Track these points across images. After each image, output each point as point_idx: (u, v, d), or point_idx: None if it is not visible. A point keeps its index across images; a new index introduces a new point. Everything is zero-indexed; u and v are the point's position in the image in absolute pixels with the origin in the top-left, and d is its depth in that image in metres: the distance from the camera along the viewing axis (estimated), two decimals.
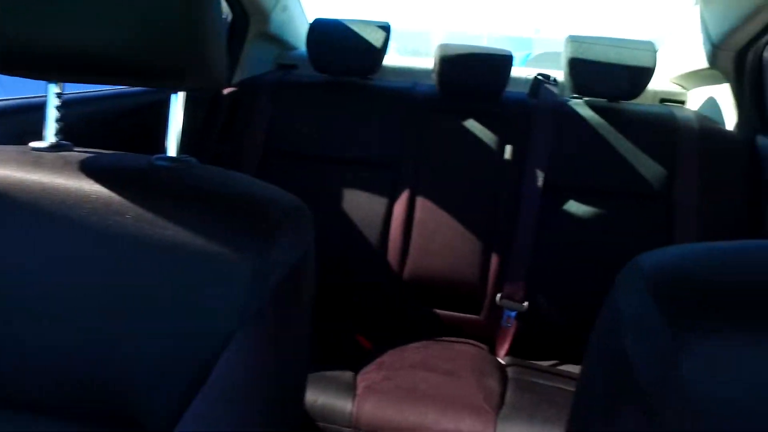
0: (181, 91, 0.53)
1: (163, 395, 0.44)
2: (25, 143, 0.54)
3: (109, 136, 1.15)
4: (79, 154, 0.53)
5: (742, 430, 0.35)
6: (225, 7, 1.51)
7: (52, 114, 0.54)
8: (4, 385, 0.46)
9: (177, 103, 0.53)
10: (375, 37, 1.42)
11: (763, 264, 0.40)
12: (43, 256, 0.45)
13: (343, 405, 1.04)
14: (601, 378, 0.44)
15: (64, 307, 0.45)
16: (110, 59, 0.45)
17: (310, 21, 1.49)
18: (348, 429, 1.03)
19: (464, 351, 1.28)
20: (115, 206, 0.45)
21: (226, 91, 1.50)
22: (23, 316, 0.45)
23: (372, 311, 1.38)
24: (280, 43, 1.75)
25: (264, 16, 1.54)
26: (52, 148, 0.54)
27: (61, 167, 0.49)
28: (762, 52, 1.28)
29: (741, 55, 1.30)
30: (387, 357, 1.20)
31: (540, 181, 1.30)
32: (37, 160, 0.50)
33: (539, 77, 1.48)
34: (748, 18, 1.17)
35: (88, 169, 0.49)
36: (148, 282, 0.44)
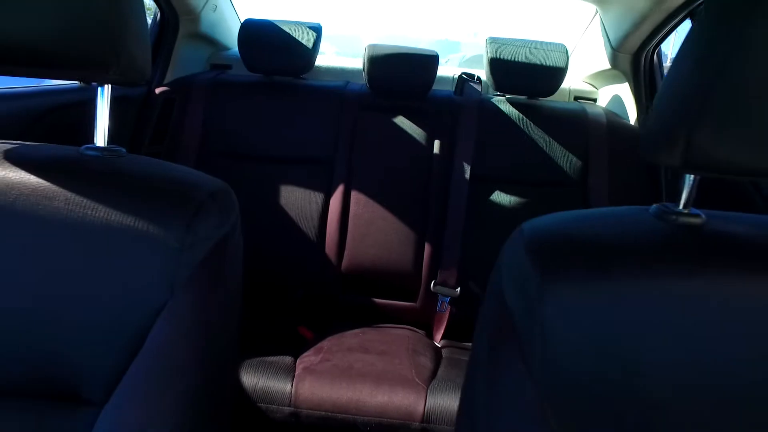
0: (104, 84, 0.54)
1: (100, 366, 0.46)
2: None
3: (36, 133, 1.12)
4: (1, 145, 0.53)
5: (586, 362, 0.42)
6: (153, 6, 1.50)
7: None
8: None
9: (104, 95, 0.55)
10: (306, 38, 1.46)
11: (625, 226, 0.48)
12: None
13: (283, 386, 1.08)
14: (489, 333, 0.49)
15: None
16: (31, 50, 0.45)
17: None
18: (288, 408, 1.07)
19: (401, 335, 1.35)
20: (44, 192, 0.47)
21: (158, 90, 1.49)
22: None
23: (313, 304, 1.42)
24: (212, 43, 1.75)
25: (193, 15, 1.54)
26: None
27: None
28: (652, 54, 1.44)
29: (636, 56, 1.45)
30: (326, 343, 1.25)
31: (467, 174, 1.38)
32: None
33: (464, 76, 1.57)
34: (639, 24, 1.31)
35: (13, 159, 0.50)
36: (81, 261, 0.46)
